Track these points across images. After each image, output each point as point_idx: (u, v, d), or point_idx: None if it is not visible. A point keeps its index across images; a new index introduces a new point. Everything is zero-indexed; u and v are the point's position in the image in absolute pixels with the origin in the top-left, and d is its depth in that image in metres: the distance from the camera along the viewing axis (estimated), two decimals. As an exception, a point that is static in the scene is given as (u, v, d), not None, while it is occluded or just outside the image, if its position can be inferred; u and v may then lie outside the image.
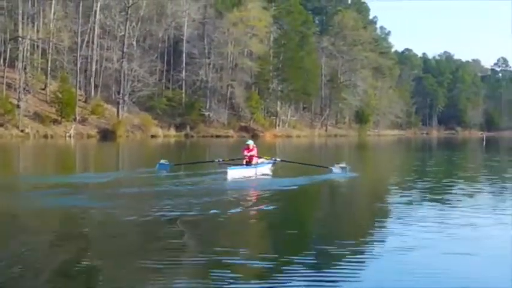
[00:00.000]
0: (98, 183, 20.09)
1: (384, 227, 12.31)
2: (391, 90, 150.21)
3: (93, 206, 14.51)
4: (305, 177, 21.82)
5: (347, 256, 9.39)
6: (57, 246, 10.22)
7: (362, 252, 9.82)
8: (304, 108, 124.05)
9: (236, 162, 24.67)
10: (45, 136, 68.86)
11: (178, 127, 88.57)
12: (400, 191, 18.84)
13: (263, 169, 24.58)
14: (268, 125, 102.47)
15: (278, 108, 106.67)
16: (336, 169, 23.33)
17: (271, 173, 24.58)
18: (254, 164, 24.07)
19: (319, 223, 13.50)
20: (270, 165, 25.62)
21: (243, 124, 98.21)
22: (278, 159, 26.78)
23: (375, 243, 10.63)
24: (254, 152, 24.48)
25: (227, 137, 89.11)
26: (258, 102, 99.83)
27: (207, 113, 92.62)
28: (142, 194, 17.41)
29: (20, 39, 73.91)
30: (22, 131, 67.70)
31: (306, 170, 23.33)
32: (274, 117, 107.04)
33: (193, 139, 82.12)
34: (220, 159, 25.59)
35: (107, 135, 74.81)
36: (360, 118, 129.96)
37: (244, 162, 24.04)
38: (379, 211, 14.99)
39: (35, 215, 13.71)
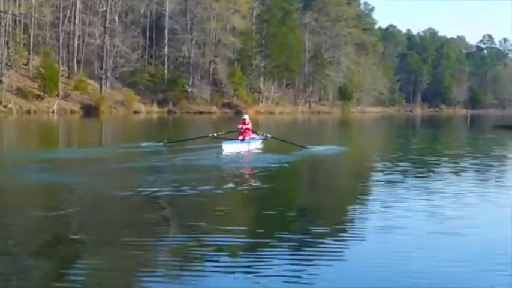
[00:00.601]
0: (81, 159, 19.99)
1: (368, 205, 12.25)
2: (374, 67, 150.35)
3: (76, 181, 14.40)
4: (294, 154, 21.85)
5: (332, 236, 9.35)
6: (39, 222, 10.10)
7: (346, 231, 9.76)
8: (287, 84, 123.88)
9: (230, 136, 25.34)
10: (28, 112, 68.56)
11: (161, 103, 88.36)
12: (384, 169, 18.75)
13: (255, 144, 25.15)
14: (251, 102, 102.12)
15: (261, 85, 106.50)
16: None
17: (261, 148, 24.84)
18: (247, 140, 24.63)
19: (305, 202, 13.42)
20: (260, 140, 26.13)
21: (226, 100, 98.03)
22: (269, 135, 26.98)
23: (359, 222, 10.58)
24: (249, 126, 25.26)
25: (210, 113, 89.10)
26: (241, 78, 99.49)
27: (189, 89, 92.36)
28: (127, 170, 17.33)
29: (1, 14, 73.13)
30: (5, 106, 67.31)
31: (295, 146, 23.48)
32: (257, 94, 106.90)
33: (176, 115, 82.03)
34: (214, 134, 26.14)
35: (89, 111, 74.57)
36: (343, 95, 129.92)
37: (240, 138, 24.54)
38: (364, 189, 15.00)
39: (18, 191, 13.62)
